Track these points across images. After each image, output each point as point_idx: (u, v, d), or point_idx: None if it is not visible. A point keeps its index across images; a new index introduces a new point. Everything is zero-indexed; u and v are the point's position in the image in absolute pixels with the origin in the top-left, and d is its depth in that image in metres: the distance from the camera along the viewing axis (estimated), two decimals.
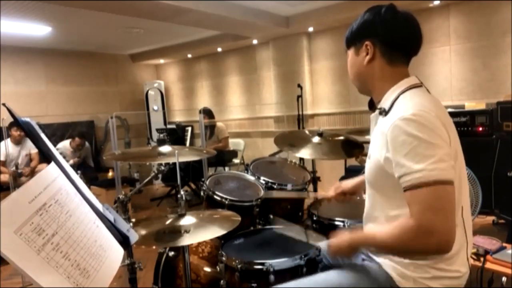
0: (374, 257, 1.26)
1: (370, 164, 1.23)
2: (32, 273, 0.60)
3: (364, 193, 1.48)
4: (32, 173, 4.99)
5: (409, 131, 1.04)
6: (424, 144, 1.03)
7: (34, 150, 5.05)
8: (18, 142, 4.92)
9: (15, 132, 4.82)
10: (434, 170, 1.02)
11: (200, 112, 5.43)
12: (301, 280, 1.34)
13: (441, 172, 1.02)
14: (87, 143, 5.80)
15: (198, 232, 1.56)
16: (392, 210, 1.18)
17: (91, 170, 5.73)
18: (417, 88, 1.19)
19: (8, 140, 4.82)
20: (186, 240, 1.52)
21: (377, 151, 1.18)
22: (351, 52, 1.30)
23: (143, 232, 1.59)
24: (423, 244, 1.02)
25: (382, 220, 1.21)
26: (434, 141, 1.04)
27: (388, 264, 1.20)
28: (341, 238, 1.22)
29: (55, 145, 4.48)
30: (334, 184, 1.69)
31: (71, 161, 5.41)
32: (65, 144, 5.51)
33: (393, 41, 1.21)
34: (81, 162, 5.60)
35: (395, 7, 1.22)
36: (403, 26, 1.21)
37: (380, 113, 1.21)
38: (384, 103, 1.21)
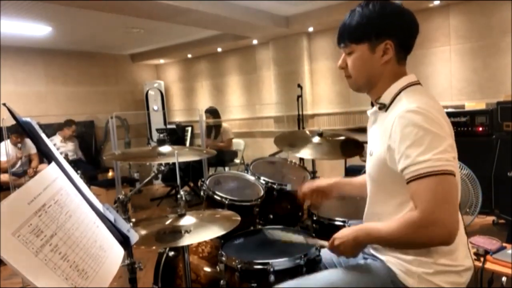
0: (378, 255, 1.25)
1: (372, 160, 1.23)
2: (30, 274, 0.59)
3: (339, 195, 1.54)
4: (35, 173, 4.99)
5: (416, 122, 1.05)
6: (429, 135, 1.04)
7: (33, 151, 5.05)
8: (16, 144, 4.94)
9: (15, 138, 4.84)
10: (439, 161, 1.02)
11: (206, 111, 5.42)
12: (302, 279, 1.32)
13: (446, 163, 1.02)
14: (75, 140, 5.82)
15: (198, 232, 1.56)
16: (395, 206, 1.17)
17: (86, 165, 5.70)
18: (416, 86, 1.21)
19: (8, 141, 4.83)
20: (187, 240, 1.52)
21: (379, 146, 1.17)
22: (363, 48, 1.20)
23: (143, 232, 1.59)
24: (426, 235, 1.03)
25: (385, 216, 1.20)
26: (439, 133, 1.05)
27: (392, 261, 1.20)
28: (345, 233, 1.21)
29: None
30: (308, 182, 1.61)
31: (64, 148, 5.43)
32: (55, 137, 5.55)
33: (407, 42, 1.21)
34: (77, 159, 5.57)
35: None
36: (414, 26, 1.21)
37: (380, 109, 1.22)
38: (385, 99, 1.21)
